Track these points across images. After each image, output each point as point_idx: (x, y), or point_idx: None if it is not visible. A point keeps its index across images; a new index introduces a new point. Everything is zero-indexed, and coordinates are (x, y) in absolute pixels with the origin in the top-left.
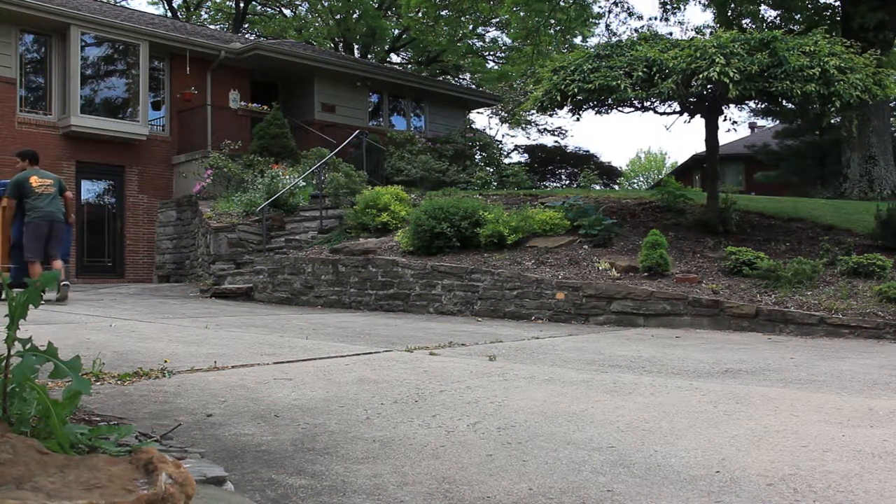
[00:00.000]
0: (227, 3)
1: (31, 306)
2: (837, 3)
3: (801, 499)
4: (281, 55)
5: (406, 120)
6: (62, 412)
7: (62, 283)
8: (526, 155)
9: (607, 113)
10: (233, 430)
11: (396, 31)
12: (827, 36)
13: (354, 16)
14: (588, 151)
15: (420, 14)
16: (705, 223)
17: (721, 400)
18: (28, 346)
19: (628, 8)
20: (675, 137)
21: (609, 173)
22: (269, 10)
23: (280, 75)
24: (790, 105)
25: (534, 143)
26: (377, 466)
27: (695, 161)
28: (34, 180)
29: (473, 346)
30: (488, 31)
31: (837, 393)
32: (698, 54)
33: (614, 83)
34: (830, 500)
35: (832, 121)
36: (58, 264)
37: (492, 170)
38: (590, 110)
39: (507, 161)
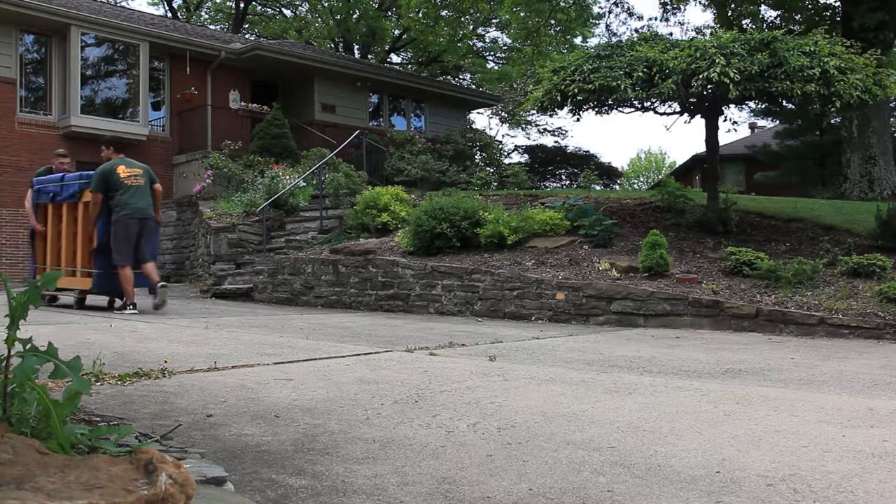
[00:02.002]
0: (228, 3)
1: (31, 306)
2: (837, 3)
3: (801, 499)
4: (281, 55)
5: (406, 120)
6: (62, 412)
7: (159, 285)
8: (526, 155)
9: (607, 113)
10: (233, 430)
11: (396, 32)
12: (827, 36)
13: (354, 16)
14: (588, 152)
15: (420, 14)
16: (705, 223)
17: (721, 400)
18: (28, 346)
19: (628, 8)
20: (676, 137)
21: (609, 173)
22: (269, 10)
23: (280, 75)
24: (790, 105)
25: (534, 143)
26: (377, 467)
27: (695, 161)
28: (122, 170)
29: (473, 347)
30: (488, 32)
31: (838, 393)
32: (698, 55)
33: (614, 83)
34: (830, 501)
35: (832, 121)
36: (150, 267)
37: (492, 170)
38: (590, 110)
39: (507, 161)
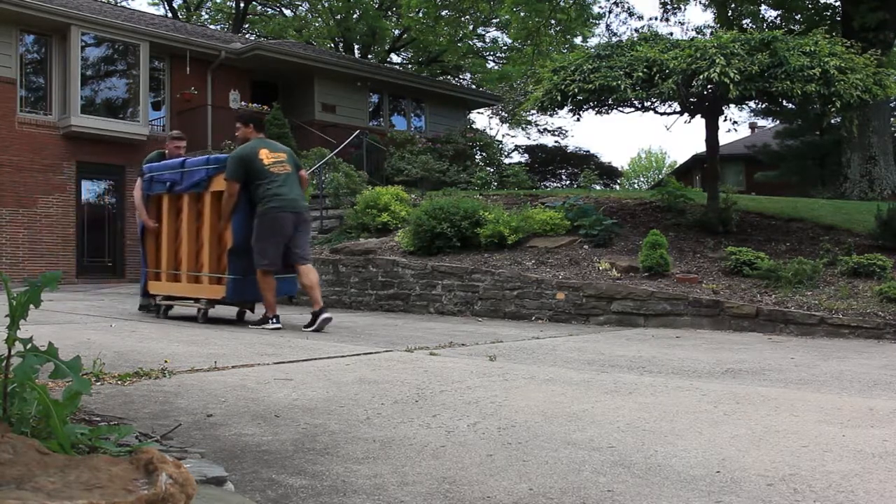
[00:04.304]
0: (228, 3)
1: (31, 306)
2: (838, 3)
3: (802, 499)
4: (281, 55)
5: (406, 120)
6: (62, 412)
7: (322, 317)
8: (526, 155)
9: (608, 113)
10: (233, 430)
11: (396, 32)
12: (827, 36)
13: (354, 16)
14: (588, 151)
15: (420, 14)
16: (705, 223)
17: (721, 400)
18: (29, 346)
19: (628, 8)
20: (676, 137)
21: (609, 173)
22: (269, 10)
23: (280, 75)
24: (790, 105)
25: (534, 143)
26: (377, 466)
27: (695, 161)
28: (265, 154)
29: (474, 346)
30: (488, 32)
31: (838, 393)
32: (699, 55)
33: (614, 83)
34: (831, 501)
35: (832, 121)
36: (312, 274)
37: (492, 170)
38: (590, 110)
39: (507, 161)
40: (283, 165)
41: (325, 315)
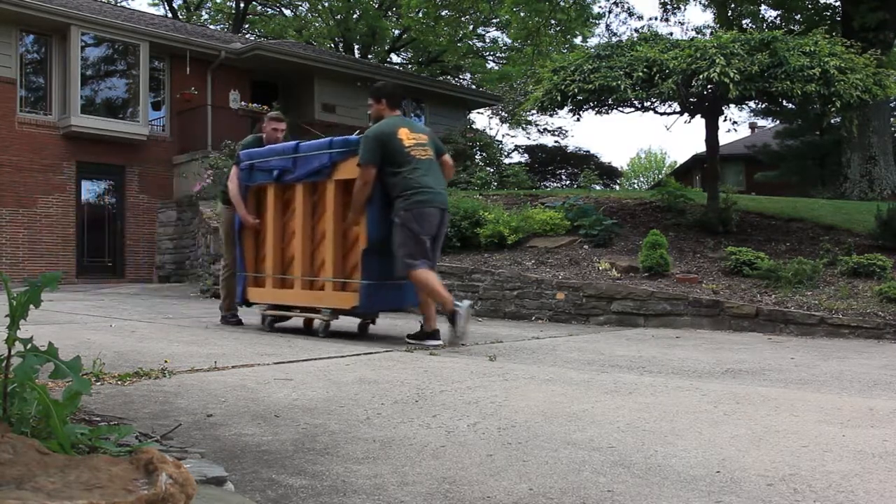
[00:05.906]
0: (228, 3)
1: (31, 306)
2: (837, 3)
3: (802, 499)
4: (281, 55)
5: None
6: (62, 412)
7: (461, 308)
8: (526, 155)
9: (607, 113)
10: (233, 430)
11: (397, 32)
12: (827, 36)
13: (354, 16)
14: (588, 151)
15: (420, 14)
16: (705, 223)
17: (721, 400)
18: (29, 346)
19: (628, 8)
20: (676, 137)
21: (609, 173)
22: (269, 10)
23: (280, 75)
24: (790, 105)
25: (534, 143)
26: (377, 467)
27: (695, 161)
28: (405, 134)
29: (473, 346)
30: (488, 32)
31: (838, 393)
32: (699, 55)
33: (614, 83)
34: (831, 501)
35: (832, 121)
36: (434, 279)
37: (492, 170)
38: (590, 110)
39: (507, 161)
40: (425, 149)
41: (459, 310)
